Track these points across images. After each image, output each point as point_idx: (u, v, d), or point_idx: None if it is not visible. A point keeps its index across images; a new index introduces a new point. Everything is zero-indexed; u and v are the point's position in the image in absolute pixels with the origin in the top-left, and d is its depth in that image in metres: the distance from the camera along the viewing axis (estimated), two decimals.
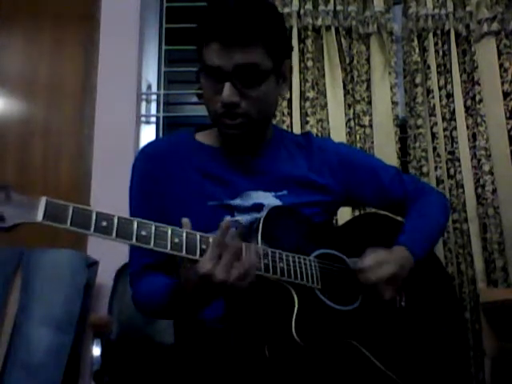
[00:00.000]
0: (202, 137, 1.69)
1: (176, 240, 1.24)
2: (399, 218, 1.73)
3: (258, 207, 1.55)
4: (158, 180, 1.59)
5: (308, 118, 2.97)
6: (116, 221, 1.19)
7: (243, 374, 1.38)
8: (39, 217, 1.10)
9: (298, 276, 1.38)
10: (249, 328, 1.41)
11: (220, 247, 1.23)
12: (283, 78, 1.60)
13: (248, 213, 1.55)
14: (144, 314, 1.61)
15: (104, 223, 1.17)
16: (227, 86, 1.45)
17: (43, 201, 1.12)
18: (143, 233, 1.21)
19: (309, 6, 3.07)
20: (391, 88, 3.01)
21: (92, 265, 2.78)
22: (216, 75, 1.46)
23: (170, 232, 1.25)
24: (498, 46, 3.01)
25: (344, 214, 2.60)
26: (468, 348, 2.65)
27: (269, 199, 1.57)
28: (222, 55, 1.44)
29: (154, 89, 3.35)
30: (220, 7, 1.46)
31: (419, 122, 2.94)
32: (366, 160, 1.81)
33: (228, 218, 1.31)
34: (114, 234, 1.18)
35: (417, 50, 3.03)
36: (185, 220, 1.28)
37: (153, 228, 1.23)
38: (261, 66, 1.47)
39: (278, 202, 1.57)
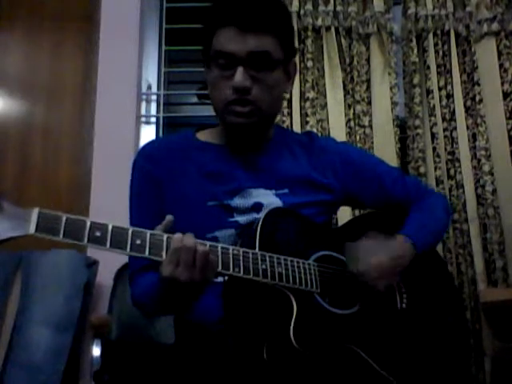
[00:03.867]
0: (203, 135, 1.68)
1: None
2: (400, 219, 1.72)
3: (258, 207, 1.54)
4: (157, 179, 1.59)
5: (308, 119, 2.96)
6: (110, 230, 1.18)
7: (242, 379, 1.37)
8: (31, 230, 1.10)
9: (297, 281, 1.37)
10: (248, 333, 1.40)
11: (177, 250, 1.24)
12: (288, 75, 1.61)
13: (248, 213, 1.54)
14: (142, 312, 1.61)
15: (98, 233, 1.17)
16: (240, 71, 1.46)
17: (35, 213, 1.12)
18: (138, 241, 1.21)
19: (309, 6, 3.06)
20: (391, 88, 3.00)
21: (92, 265, 2.78)
22: (227, 60, 1.47)
23: (165, 240, 1.25)
24: (497, 47, 3.00)
25: (344, 214, 2.60)
26: (470, 350, 2.65)
27: (269, 197, 1.57)
28: (237, 40, 1.45)
29: (154, 89, 3.34)
30: None
31: (418, 122, 2.94)
32: (368, 161, 1.79)
33: (170, 217, 1.31)
34: (108, 244, 1.17)
35: (416, 51, 3.02)
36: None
37: (148, 236, 1.23)
38: (273, 54, 1.49)
39: (278, 201, 1.57)
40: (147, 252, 1.22)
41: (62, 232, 1.13)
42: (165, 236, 1.25)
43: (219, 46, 1.48)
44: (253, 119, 1.52)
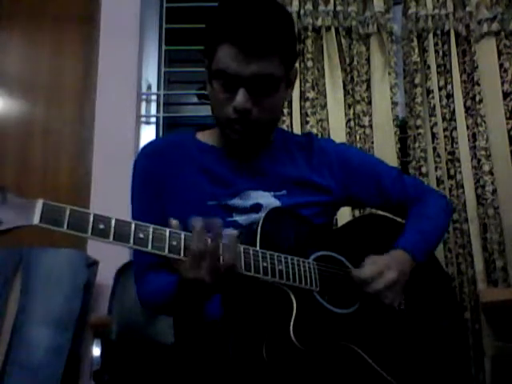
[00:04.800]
0: (203, 136, 1.69)
1: (174, 243, 1.24)
2: (399, 220, 1.73)
3: (257, 208, 1.55)
4: (158, 178, 1.60)
5: (308, 118, 2.96)
6: (113, 223, 1.18)
7: (242, 377, 1.37)
8: (36, 220, 1.09)
9: (297, 278, 1.37)
10: (247, 331, 1.40)
11: (200, 252, 1.24)
12: (289, 82, 1.60)
13: (247, 214, 1.55)
14: (150, 310, 1.61)
15: (101, 226, 1.16)
16: (241, 93, 1.45)
17: (40, 203, 1.11)
18: (141, 235, 1.21)
19: (309, 6, 3.07)
20: (391, 88, 3.00)
21: (92, 264, 2.78)
22: (229, 80, 1.46)
23: (167, 234, 1.24)
24: (497, 46, 3.01)
25: (343, 215, 2.60)
26: (468, 349, 2.65)
27: (268, 199, 1.57)
28: (239, 61, 1.42)
29: (154, 89, 3.35)
30: (239, 12, 1.44)
31: (419, 122, 2.94)
32: (367, 161, 1.80)
33: (175, 222, 1.30)
34: (112, 236, 1.17)
35: (416, 50, 3.02)
36: (174, 222, 1.28)
37: (150, 231, 1.23)
38: (275, 74, 1.47)
39: (277, 202, 1.57)
40: (149, 246, 1.22)
41: (65, 223, 1.12)
42: (167, 231, 1.25)
43: (221, 65, 1.45)
44: (250, 135, 1.54)
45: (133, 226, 1.21)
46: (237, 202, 1.56)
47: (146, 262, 1.54)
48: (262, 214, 1.44)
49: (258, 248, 1.35)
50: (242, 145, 1.58)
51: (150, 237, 1.22)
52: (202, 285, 1.25)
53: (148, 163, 1.63)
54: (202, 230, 1.26)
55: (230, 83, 1.46)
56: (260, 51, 1.42)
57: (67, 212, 1.14)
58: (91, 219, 1.16)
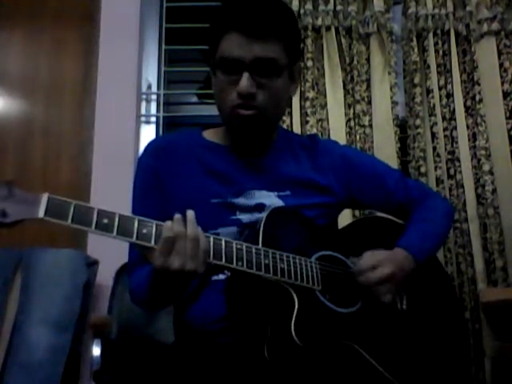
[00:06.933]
0: (209, 134, 1.71)
1: None
2: (401, 222, 1.73)
3: (261, 207, 1.56)
4: (161, 175, 1.61)
5: (308, 118, 2.96)
6: (117, 218, 1.19)
7: (243, 375, 1.37)
8: (41, 213, 1.11)
9: (299, 277, 1.38)
10: (248, 329, 1.40)
11: (171, 238, 1.24)
12: (293, 79, 1.62)
13: (250, 212, 1.56)
14: (139, 305, 1.61)
15: (105, 220, 1.18)
16: (245, 77, 1.47)
17: (45, 197, 1.13)
18: (144, 231, 1.22)
19: (309, 5, 3.06)
20: (391, 88, 3.00)
21: (92, 264, 2.78)
22: (233, 66, 1.48)
23: None
24: (497, 46, 3.01)
25: (344, 216, 2.59)
26: (469, 349, 2.64)
27: (271, 199, 1.58)
28: (242, 46, 1.46)
29: (154, 89, 3.34)
30: (243, 2, 1.49)
31: (419, 121, 2.94)
32: (370, 163, 1.81)
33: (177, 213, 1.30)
34: (115, 231, 1.18)
35: (416, 50, 3.02)
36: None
37: (154, 226, 1.24)
38: (278, 60, 1.50)
39: (280, 203, 1.58)
40: (153, 241, 1.23)
41: (70, 217, 1.14)
42: None
43: (225, 52, 1.49)
44: (256, 123, 1.54)
45: (136, 221, 1.22)
46: (241, 200, 1.57)
47: (135, 257, 1.56)
48: (264, 214, 1.44)
49: (260, 246, 1.36)
50: (247, 135, 1.58)
51: (153, 232, 1.23)
52: (169, 273, 1.25)
53: (152, 161, 1.64)
54: (179, 218, 1.27)
55: (234, 69, 1.48)
56: (262, 34, 1.46)
57: (72, 206, 1.15)
58: (95, 214, 1.17)
